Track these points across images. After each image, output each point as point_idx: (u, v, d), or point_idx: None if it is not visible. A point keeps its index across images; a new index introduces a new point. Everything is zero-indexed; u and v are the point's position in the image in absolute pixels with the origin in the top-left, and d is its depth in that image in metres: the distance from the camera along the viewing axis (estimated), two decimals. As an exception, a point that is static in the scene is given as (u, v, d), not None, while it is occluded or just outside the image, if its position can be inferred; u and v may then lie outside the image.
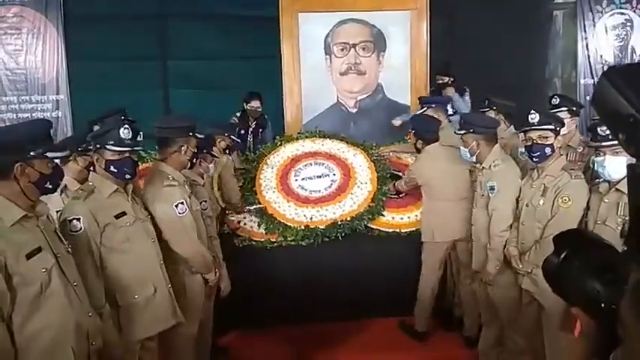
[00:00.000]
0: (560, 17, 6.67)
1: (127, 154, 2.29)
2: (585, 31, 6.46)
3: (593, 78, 6.54)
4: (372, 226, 3.95)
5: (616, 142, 2.32)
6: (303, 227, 3.87)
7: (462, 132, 3.09)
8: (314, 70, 5.93)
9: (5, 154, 1.72)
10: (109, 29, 5.91)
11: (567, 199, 2.60)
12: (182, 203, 2.54)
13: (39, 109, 6.16)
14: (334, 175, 4.20)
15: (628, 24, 6.41)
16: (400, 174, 4.22)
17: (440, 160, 3.54)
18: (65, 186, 2.77)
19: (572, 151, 3.36)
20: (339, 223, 3.87)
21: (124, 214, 2.30)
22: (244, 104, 5.13)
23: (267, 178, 4.17)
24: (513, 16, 6.08)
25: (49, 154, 1.80)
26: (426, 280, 3.63)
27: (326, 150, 4.43)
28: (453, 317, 3.82)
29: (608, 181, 2.50)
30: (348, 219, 3.91)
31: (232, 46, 6.13)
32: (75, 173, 2.89)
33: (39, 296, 1.75)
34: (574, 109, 3.53)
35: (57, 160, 1.93)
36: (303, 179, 4.18)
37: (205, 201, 2.96)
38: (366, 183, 4.11)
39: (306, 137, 4.53)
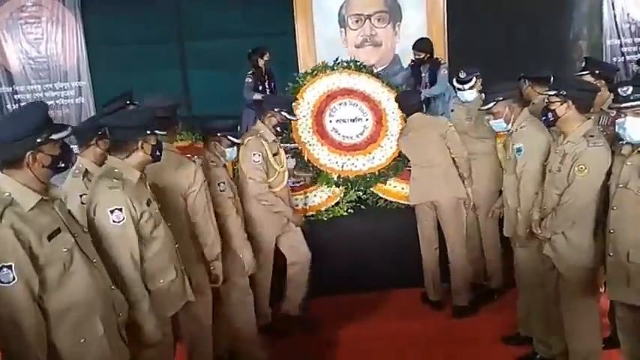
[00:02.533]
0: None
1: None
2: (612, -12, 6.21)
3: (619, 38, 6.31)
4: (390, 198, 4.01)
5: (637, 102, 2.28)
6: (335, 175, 4.00)
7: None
8: (329, 43, 5.89)
9: (15, 147, 1.73)
10: (125, 13, 5.96)
11: (583, 167, 2.51)
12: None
13: (62, 95, 6.28)
14: (367, 120, 4.21)
15: (656, -20, 6.13)
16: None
17: (412, 130, 3.63)
18: (86, 170, 2.83)
19: (604, 115, 3.26)
20: (368, 175, 4.01)
21: (150, 201, 2.30)
22: (257, 61, 5.18)
23: (303, 115, 4.17)
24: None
25: (53, 137, 1.80)
26: (421, 247, 3.74)
27: (361, 89, 4.32)
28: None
29: (632, 144, 2.43)
30: (376, 172, 4.04)
31: (247, 24, 6.13)
32: (96, 157, 2.93)
33: (63, 275, 1.80)
34: (597, 72, 3.41)
35: (75, 146, 1.96)
36: (337, 121, 4.19)
37: (223, 182, 2.98)
38: (394, 135, 4.12)
39: (343, 68, 4.40)
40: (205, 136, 3.11)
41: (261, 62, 5.25)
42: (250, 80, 5.23)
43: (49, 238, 1.77)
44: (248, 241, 3.05)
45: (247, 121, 5.13)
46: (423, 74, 4.86)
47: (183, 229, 2.68)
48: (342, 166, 4.03)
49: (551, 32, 6.17)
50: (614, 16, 6.30)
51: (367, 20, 5.92)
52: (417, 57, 4.89)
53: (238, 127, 3.24)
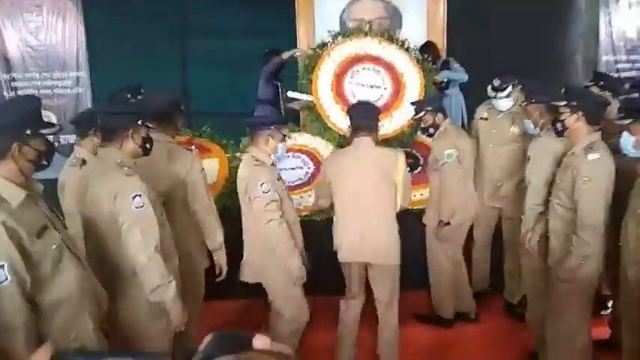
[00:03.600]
0: (583, -6, 6.52)
1: None
2: (608, 6, 6.30)
3: (615, 55, 6.40)
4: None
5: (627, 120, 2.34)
6: (340, 135, 4.05)
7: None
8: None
9: (3, 136, 1.70)
10: (128, 6, 5.95)
11: (587, 179, 2.53)
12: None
13: (60, 85, 6.25)
14: (385, 89, 4.27)
15: (652, 0, 6.23)
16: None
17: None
18: (84, 160, 2.84)
19: (611, 124, 3.34)
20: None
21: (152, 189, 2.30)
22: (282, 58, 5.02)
23: (326, 71, 4.23)
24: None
25: (42, 131, 1.79)
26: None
27: (388, 58, 4.34)
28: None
29: None
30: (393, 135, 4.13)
31: (249, 24, 6.14)
32: (94, 147, 2.93)
33: (53, 271, 1.78)
34: (602, 83, 3.54)
35: (74, 136, 1.95)
36: (357, 84, 4.25)
37: (265, 183, 2.72)
38: (408, 110, 4.07)
39: (376, 35, 4.47)
40: (253, 131, 2.85)
41: (286, 57, 5.02)
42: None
43: (38, 235, 1.73)
44: (296, 248, 2.81)
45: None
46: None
47: (180, 220, 2.66)
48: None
49: (549, 45, 6.26)
50: (611, 34, 6.40)
51: (368, 25, 5.95)
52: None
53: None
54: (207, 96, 6.01)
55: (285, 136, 2.90)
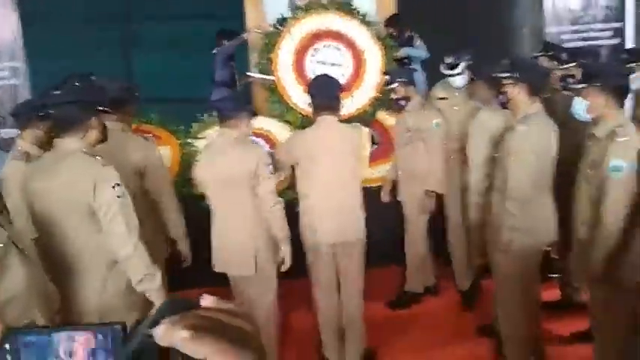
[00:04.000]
0: (526, -38, 6.62)
1: None
2: (553, -23, 6.43)
3: (559, 25, 6.55)
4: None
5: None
6: (303, 114, 3.92)
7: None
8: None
9: None
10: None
11: (514, 152, 2.55)
12: None
13: (-5, 76, 5.90)
14: (347, 67, 4.21)
15: (595, -30, 6.40)
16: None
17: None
18: (27, 153, 2.69)
19: (558, 93, 3.38)
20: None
21: None
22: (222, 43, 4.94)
23: (287, 50, 4.13)
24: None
25: None
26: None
27: (349, 34, 4.24)
28: None
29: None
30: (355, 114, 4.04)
31: (194, 5, 5.91)
32: (37, 139, 2.79)
33: (0, 269, 1.73)
34: (550, 53, 3.59)
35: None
36: (318, 62, 4.15)
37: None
38: (369, 88, 4.16)
39: (336, 9, 4.27)
40: (231, 114, 2.69)
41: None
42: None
43: None
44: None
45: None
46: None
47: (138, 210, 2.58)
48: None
49: (498, 18, 6.34)
50: (554, 4, 6.54)
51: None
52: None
53: None
54: (153, 81, 5.77)
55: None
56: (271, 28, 4.30)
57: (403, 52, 4.66)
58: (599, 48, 5.53)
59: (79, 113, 2.14)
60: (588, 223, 2.39)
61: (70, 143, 2.14)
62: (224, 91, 4.82)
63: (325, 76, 3.14)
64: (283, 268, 2.79)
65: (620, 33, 6.53)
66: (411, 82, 3.44)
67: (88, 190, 2.04)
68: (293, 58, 4.13)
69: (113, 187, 2.07)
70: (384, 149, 3.91)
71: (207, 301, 0.47)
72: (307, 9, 4.24)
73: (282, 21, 4.24)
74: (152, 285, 2.14)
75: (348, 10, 4.25)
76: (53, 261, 2.11)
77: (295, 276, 2.93)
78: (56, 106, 2.19)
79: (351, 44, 4.23)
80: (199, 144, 3.68)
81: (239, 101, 2.85)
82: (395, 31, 4.63)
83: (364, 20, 4.28)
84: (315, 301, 3.02)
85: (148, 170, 2.65)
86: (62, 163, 2.13)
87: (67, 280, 2.10)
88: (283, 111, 4.09)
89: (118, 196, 2.07)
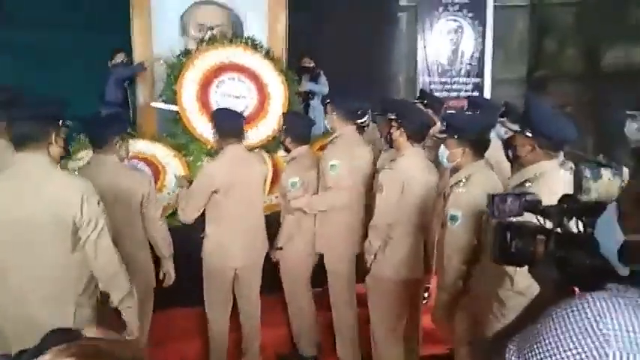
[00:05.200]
0: (404, 19, 7.25)
1: None
2: (424, 33, 7.12)
3: (430, 76, 7.24)
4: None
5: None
6: (208, 147, 3.88)
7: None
8: (169, 46, 5.68)
9: None
10: None
11: (380, 187, 2.81)
12: None
13: None
14: (251, 99, 4.23)
15: (459, 30, 7.21)
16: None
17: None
18: None
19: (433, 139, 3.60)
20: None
21: None
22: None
23: (191, 80, 4.07)
24: (365, 15, 6.44)
25: None
26: None
27: (252, 67, 4.29)
28: None
29: None
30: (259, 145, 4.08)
31: (78, 15, 5.59)
32: None
33: None
34: (425, 101, 3.94)
35: None
36: (222, 95, 4.13)
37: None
38: (272, 120, 4.20)
39: (240, 43, 4.37)
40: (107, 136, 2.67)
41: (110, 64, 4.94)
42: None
43: None
44: None
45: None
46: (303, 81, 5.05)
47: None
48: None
49: (378, 64, 6.83)
50: (426, 57, 7.25)
51: (209, 32, 5.86)
52: (306, 64, 5.19)
53: None
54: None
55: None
56: (174, 59, 4.25)
57: (306, 86, 4.85)
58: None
59: (36, 129, 2.02)
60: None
61: (37, 159, 2.02)
62: (115, 110, 4.68)
63: (227, 109, 3.30)
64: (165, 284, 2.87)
65: (478, 87, 7.40)
66: (294, 134, 3.27)
67: (74, 205, 1.99)
68: (197, 89, 4.08)
69: (98, 202, 2.06)
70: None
71: (90, 331, 0.49)
72: (210, 41, 4.28)
73: (187, 53, 4.22)
74: (131, 302, 2.14)
75: (252, 44, 4.33)
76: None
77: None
78: (16, 123, 2.05)
79: (255, 77, 4.28)
80: (74, 165, 3.43)
81: (114, 123, 2.77)
82: (309, 63, 4.87)
83: (268, 54, 4.38)
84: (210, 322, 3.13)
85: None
86: (32, 179, 2.01)
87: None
88: (188, 141, 4.00)
89: (103, 212, 2.07)
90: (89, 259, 2.05)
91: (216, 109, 3.36)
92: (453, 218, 2.40)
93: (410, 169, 2.78)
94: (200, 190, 2.94)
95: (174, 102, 4.04)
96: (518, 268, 1.37)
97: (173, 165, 3.95)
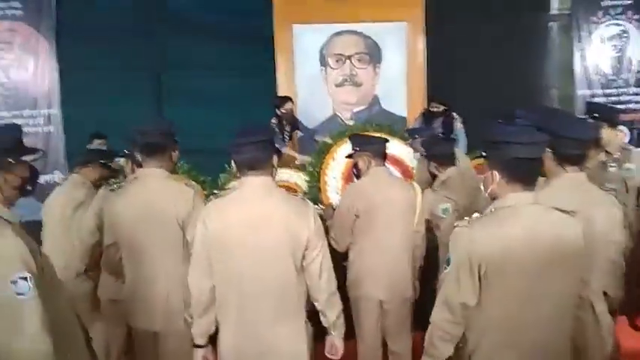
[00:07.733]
0: (555, 28, 6.65)
1: None
2: (581, 42, 6.43)
3: (590, 89, 6.50)
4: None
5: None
6: None
7: None
8: (309, 81, 5.88)
9: None
10: (103, 41, 5.82)
11: None
12: None
13: (30, 123, 5.99)
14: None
15: (624, 35, 6.39)
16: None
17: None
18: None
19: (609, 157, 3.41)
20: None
21: None
22: (276, 110, 5.03)
23: (333, 176, 4.23)
24: (509, 29, 6.05)
25: (24, 157, 1.82)
26: None
27: (392, 152, 4.20)
28: None
29: None
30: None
31: (227, 60, 6.02)
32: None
33: None
34: (595, 115, 3.50)
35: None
36: None
37: None
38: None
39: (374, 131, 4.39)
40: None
41: (281, 110, 5.05)
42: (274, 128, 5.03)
43: None
44: None
45: None
46: (434, 125, 4.72)
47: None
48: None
49: (526, 78, 6.32)
50: (585, 68, 6.51)
51: (348, 60, 5.96)
52: (434, 109, 4.80)
53: None
54: (184, 132, 5.82)
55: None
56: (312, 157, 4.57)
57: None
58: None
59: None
60: None
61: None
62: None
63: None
64: None
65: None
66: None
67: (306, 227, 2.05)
68: (342, 184, 4.32)
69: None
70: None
71: None
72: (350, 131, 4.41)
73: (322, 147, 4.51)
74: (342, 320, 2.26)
75: (389, 130, 4.57)
76: None
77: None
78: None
79: (397, 162, 4.46)
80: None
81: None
82: (436, 108, 4.76)
83: (402, 136, 4.55)
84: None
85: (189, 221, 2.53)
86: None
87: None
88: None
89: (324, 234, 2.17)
90: (312, 278, 2.06)
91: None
92: None
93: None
94: (341, 213, 2.88)
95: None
96: None
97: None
